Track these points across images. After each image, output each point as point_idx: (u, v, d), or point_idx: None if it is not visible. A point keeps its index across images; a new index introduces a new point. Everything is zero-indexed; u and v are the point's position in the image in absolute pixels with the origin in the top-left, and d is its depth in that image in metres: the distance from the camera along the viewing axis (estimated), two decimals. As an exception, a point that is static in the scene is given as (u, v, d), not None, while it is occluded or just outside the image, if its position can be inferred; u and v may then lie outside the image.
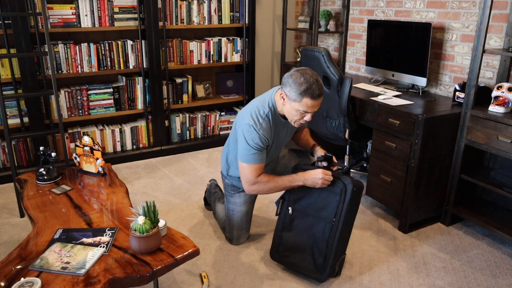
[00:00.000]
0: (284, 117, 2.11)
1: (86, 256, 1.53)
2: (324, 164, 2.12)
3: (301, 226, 2.10)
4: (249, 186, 2.07)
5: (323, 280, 2.02)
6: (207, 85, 3.89)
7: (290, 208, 2.12)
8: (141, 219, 1.53)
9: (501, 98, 2.27)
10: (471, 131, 2.35)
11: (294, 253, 2.10)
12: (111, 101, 3.39)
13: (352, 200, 1.98)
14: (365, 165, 3.19)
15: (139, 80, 3.44)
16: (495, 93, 2.31)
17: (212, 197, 2.65)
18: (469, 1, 2.70)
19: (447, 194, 2.57)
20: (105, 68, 3.29)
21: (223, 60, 3.78)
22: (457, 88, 2.57)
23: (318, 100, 1.94)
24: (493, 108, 2.27)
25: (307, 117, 1.99)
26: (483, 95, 2.40)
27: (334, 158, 2.15)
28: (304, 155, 2.43)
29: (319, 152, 2.28)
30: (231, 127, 3.89)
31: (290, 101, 1.96)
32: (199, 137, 3.89)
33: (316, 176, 1.98)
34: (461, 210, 2.52)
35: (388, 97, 2.75)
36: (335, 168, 2.11)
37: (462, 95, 2.52)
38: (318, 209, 2.04)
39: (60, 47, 3.07)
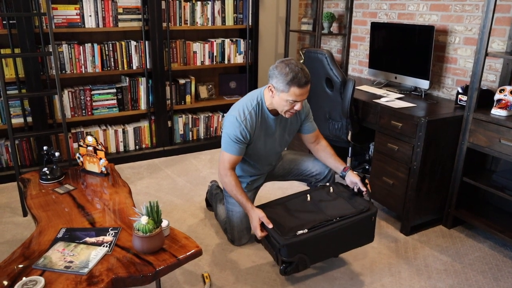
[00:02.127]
0: (274, 113, 2.12)
1: (89, 255, 1.54)
2: (360, 185, 2.12)
3: (300, 209, 2.05)
4: (219, 172, 2.20)
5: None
6: (210, 86, 3.90)
7: (308, 195, 2.14)
8: (144, 219, 1.54)
9: (503, 101, 2.27)
10: (474, 134, 2.35)
11: (275, 223, 1.95)
12: (114, 101, 3.40)
13: (361, 222, 1.97)
14: (367, 167, 3.19)
15: (142, 81, 3.45)
16: (497, 96, 2.31)
17: (214, 198, 2.66)
18: (472, 4, 2.70)
19: (449, 196, 2.57)
20: (109, 68, 3.30)
21: (226, 61, 3.79)
22: (460, 91, 2.57)
23: (305, 88, 1.96)
24: (496, 111, 2.27)
25: (297, 106, 2.01)
26: (485, 98, 2.40)
27: (368, 186, 2.14)
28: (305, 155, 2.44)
29: (352, 176, 2.16)
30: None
31: (278, 92, 1.99)
32: (202, 138, 3.90)
33: (254, 219, 1.98)
34: (463, 213, 2.52)
35: (391, 99, 2.75)
36: (364, 191, 2.12)
37: (464, 98, 2.52)
38: (329, 207, 2.03)
39: (64, 47, 3.09)
